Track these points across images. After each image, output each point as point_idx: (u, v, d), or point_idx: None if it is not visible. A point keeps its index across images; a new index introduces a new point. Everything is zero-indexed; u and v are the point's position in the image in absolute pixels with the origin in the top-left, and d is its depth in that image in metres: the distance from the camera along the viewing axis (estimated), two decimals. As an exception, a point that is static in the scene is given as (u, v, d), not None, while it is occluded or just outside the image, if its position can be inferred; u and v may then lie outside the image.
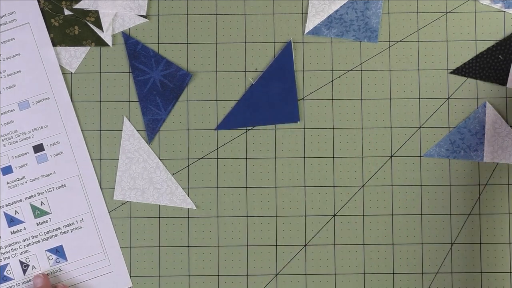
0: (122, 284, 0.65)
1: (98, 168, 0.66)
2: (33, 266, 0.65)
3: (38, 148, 0.65)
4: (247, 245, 0.66)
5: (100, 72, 0.66)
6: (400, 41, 0.66)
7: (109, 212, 0.65)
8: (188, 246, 0.65)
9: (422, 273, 0.65)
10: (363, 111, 0.66)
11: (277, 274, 0.66)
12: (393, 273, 0.65)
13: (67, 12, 0.66)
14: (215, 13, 0.67)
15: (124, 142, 0.66)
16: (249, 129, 0.66)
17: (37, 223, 0.65)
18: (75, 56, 0.66)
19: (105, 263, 0.65)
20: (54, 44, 0.66)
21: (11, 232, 0.65)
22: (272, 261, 0.66)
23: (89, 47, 0.66)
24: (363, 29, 0.66)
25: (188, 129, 0.66)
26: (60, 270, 0.65)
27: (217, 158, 0.66)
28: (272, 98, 0.66)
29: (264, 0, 0.67)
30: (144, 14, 0.66)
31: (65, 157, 0.65)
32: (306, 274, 0.65)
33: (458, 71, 0.66)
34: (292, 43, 0.66)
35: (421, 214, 0.66)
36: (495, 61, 0.63)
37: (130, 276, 0.65)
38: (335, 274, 0.65)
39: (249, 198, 0.66)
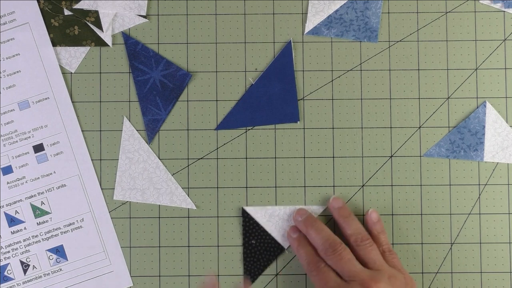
0: (123, 283, 0.65)
1: (98, 168, 0.66)
2: (33, 266, 0.65)
3: (38, 148, 0.65)
4: (247, 245, 0.66)
5: (100, 72, 0.66)
6: (400, 41, 0.66)
7: (109, 212, 0.65)
8: (188, 246, 0.65)
9: (422, 273, 0.65)
10: (363, 111, 0.66)
11: (277, 274, 0.66)
12: (393, 273, 0.65)
13: (67, 12, 0.66)
14: (215, 13, 0.66)
15: (124, 142, 0.66)
16: (249, 129, 0.66)
17: (37, 223, 0.65)
18: (75, 56, 0.66)
19: (106, 263, 0.65)
20: (54, 44, 0.66)
21: (11, 232, 0.65)
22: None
23: (89, 47, 0.66)
24: (363, 29, 0.66)
25: (188, 129, 0.66)
26: (60, 270, 0.65)
27: (217, 158, 0.66)
28: (272, 98, 0.66)
29: (264, 0, 0.66)
30: (144, 14, 0.66)
31: (65, 157, 0.65)
32: (306, 274, 0.65)
33: None
34: (292, 43, 0.66)
35: (421, 214, 0.66)
36: None
37: (130, 276, 0.65)
38: (335, 274, 0.65)
39: (249, 198, 0.66)
